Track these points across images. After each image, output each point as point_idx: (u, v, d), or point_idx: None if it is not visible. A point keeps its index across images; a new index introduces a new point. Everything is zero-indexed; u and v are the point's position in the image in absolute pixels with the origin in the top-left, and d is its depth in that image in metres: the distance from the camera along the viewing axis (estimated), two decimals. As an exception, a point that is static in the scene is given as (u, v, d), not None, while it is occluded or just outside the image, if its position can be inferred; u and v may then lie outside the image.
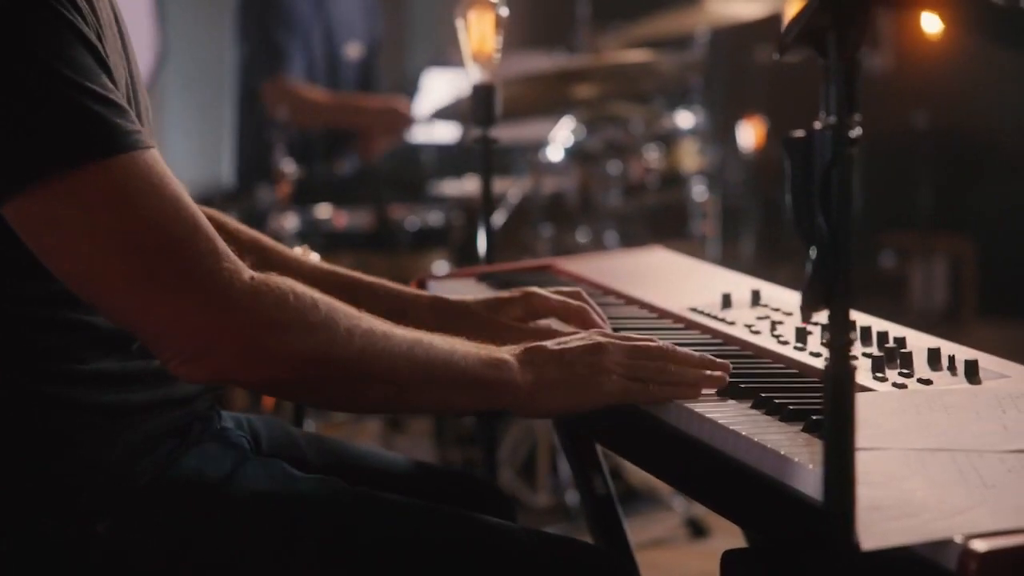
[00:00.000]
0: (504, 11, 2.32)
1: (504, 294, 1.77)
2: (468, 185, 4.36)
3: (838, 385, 1.13)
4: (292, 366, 1.41)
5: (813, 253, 1.13)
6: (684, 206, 4.47)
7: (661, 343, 1.57)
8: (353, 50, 4.71)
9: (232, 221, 1.85)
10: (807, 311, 1.15)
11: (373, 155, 4.63)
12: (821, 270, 1.13)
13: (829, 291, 1.13)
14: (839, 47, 1.09)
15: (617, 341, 1.56)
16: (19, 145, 1.34)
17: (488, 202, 2.39)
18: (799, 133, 1.13)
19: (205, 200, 4.23)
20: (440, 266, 4.02)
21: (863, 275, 6.35)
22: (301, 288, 1.43)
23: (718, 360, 1.54)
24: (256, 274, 1.41)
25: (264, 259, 1.78)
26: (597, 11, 4.87)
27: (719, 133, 5.56)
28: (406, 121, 4.66)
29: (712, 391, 1.52)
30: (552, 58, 5.13)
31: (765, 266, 6.63)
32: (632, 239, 4.23)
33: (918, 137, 6.19)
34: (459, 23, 2.31)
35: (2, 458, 1.44)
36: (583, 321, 1.72)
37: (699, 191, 4.48)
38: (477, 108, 2.32)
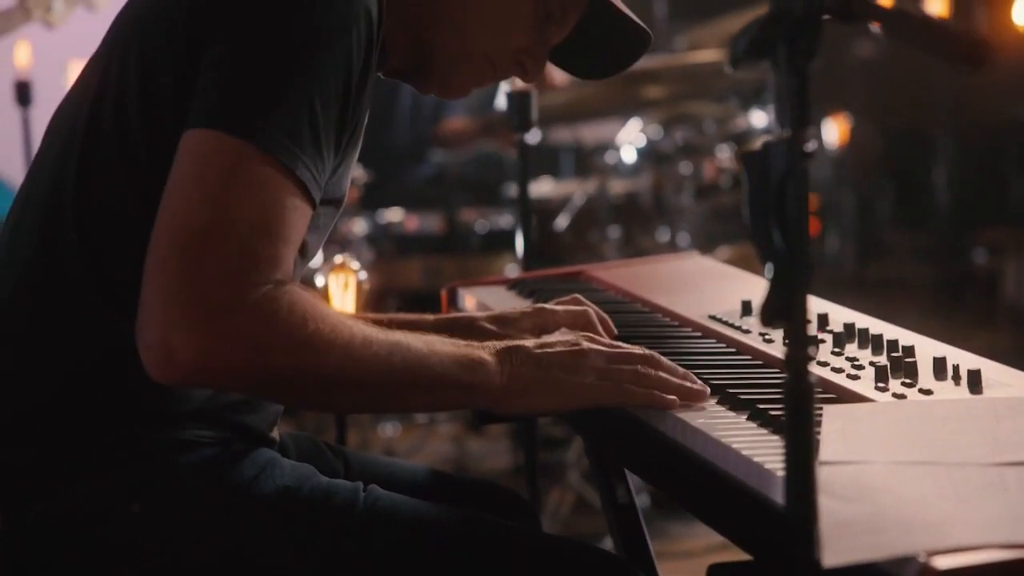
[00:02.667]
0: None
1: (515, 309, 1.79)
2: (541, 187, 4.37)
3: (797, 400, 1.12)
4: (257, 380, 1.43)
5: (769, 267, 1.12)
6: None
7: (648, 352, 1.57)
8: None
9: None
10: (766, 325, 1.14)
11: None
12: (778, 284, 1.12)
13: (787, 305, 1.12)
14: (790, 60, 1.08)
15: (600, 347, 1.57)
16: (249, 99, 1.42)
17: (527, 208, 2.40)
18: (755, 146, 1.12)
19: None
20: (510, 269, 4.03)
21: (955, 272, 6.24)
22: (299, 305, 1.42)
23: (697, 386, 1.54)
24: (269, 290, 1.41)
25: None
26: (674, 10, 4.85)
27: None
28: None
29: (714, 402, 1.52)
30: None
31: (858, 262, 6.56)
32: (705, 240, 4.21)
33: (1009, 131, 6.07)
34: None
35: (63, 415, 1.50)
36: (591, 327, 1.72)
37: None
38: (513, 115, 2.33)
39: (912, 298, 6.22)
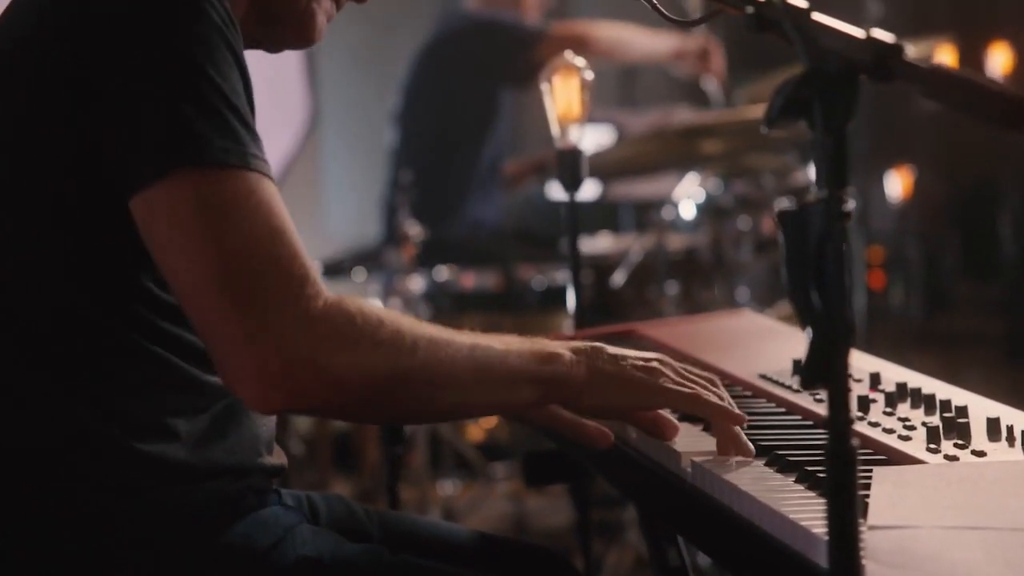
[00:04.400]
0: (589, 74, 2.32)
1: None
2: (599, 243, 4.35)
3: (838, 464, 1.10)
4: (362, 385, 1.44)
5: (809, 330, 1.10)
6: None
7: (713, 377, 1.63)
8: None
9: None
10: (806, 387, 1.12)
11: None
12: (817, 347, 1.10)
13: (826, 368, 1.10)
14: (826, 120, 1.07)
15: (670, 361, 1.64)
16: (157, 137, 1.41)
17: (577, 265, 2.39)
18: (791, 206, 1.10)
19: (350, 262, 4.36)
20: (568, 326, 4.00)
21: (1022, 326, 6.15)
22: (368, 307, 1.46)
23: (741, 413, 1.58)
24: (330, 296, 1.44)
25: None
26: (732, 64, 4.84)
27: (860, 185, 5.47)
28: None
29: (762, 463, 1.50)
30: (688, 111, 5.12)
31: (926, 315, 6.49)
32: (765, 295, 4.17)
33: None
34: (544, 87, 2.32)
35: (58, 501, 1.48)
36: None
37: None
38: (563, 172, 2.32)
39: (980, 351, 6.13)
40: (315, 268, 1.44)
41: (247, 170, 1.42)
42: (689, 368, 1.65)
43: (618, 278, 3.95)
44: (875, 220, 5.80)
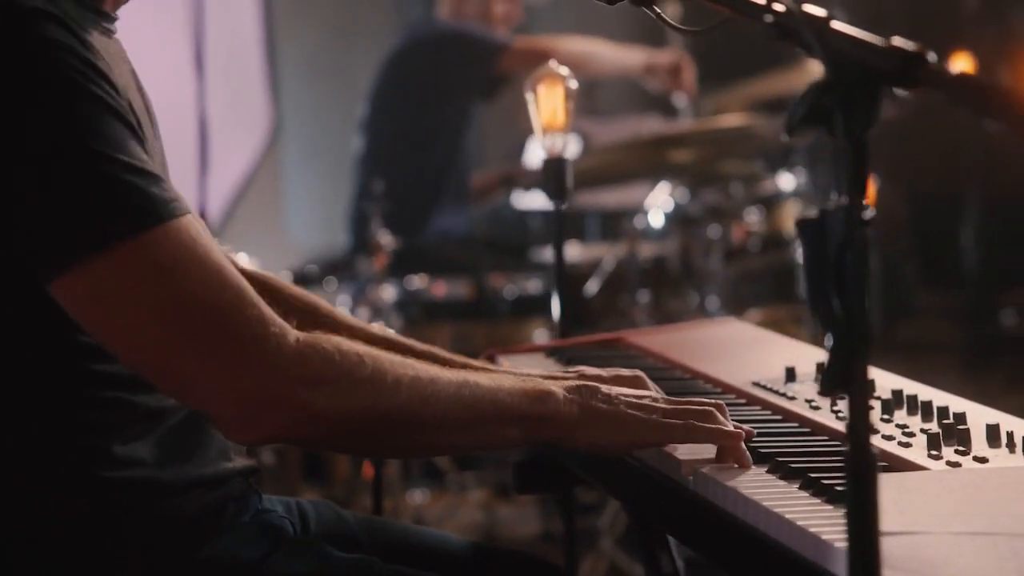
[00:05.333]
0: (574, 84, 2.32)
1: (557, 374, 1.77)
2: (570, 252, 4.36)
3: (859, 473, 1.10)
4: (343, 422, 1.43)
5: (829, 337, 1.10)
6: (788, 269, 4.41)
7: (707, 406, 1.59)
8: None
9: (290, 286, 1.87)
10: (826, 395, 1.12)
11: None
12: (838, 354, 1.10)
13: (847, 376, 1.10)
14: (847, 127, 1.07)
15: (663, 396, 1.61)
16: (59, 225, 1.36)
17: (562, 275, 2.39)
18: (811, 214, 1.11)
19: (319, 272, 4.34)
20: (540, 335, 4.01)
21: (983, 334, 6.20)
22: (347, 345, 1.44)
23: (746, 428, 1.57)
24: (301, 335, 1.42)
25: (316, 324, 1.80)
26: (701, 74, 4.86)
27: (825, 193, 5.50)
28: None
29: (764, 470, 1.50)
30: (656, 121, 5.13)
31: (886, 323, 6.53)
32: (735, 304, 4.19)
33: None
34: (528, 96, 2.32)
35: (36, 534, 1.46)
36: None
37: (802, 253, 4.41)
38: (548, 182, 2.32)
39: (941, 360, 6.17)
40: (263, 302, 1.42)
41: (160, 224, 1.37)
42: (688, 400, 1.62)
43: (591, 287, 3.95)
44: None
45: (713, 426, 1.55)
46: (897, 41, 1.08)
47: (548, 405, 1.53)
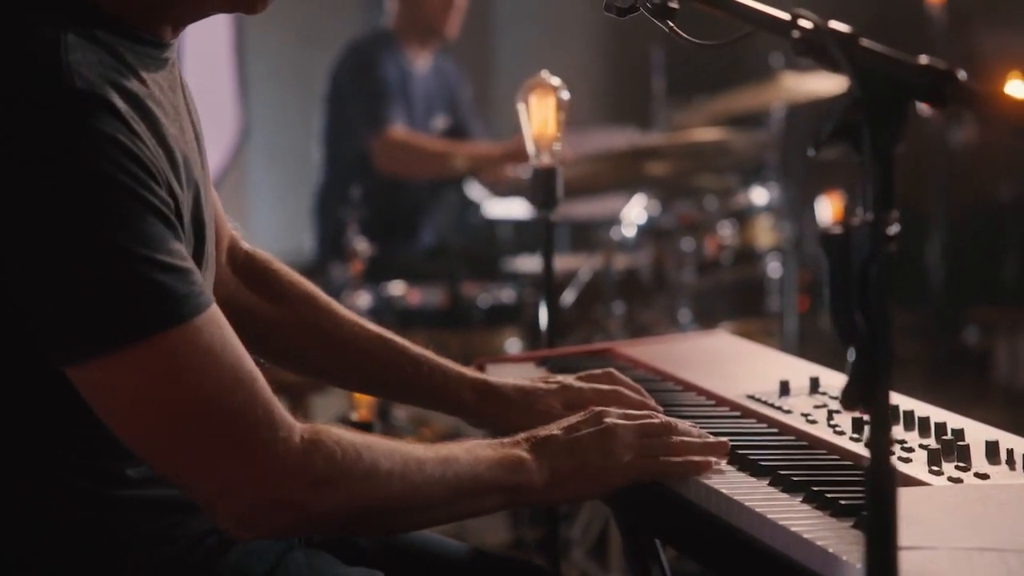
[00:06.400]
0: (566, 94, 2.33)
1: (541, 384, 1.78)
2: (542, 262, 4.36)
3: (879, 486, 1.11)
4: (338, 519, 1.46)
5: (852, 351, 1.11)
6: (759, 282, 4.44)
7: (666, 419, 1.62)
8: (440, 121, 4.80)
9: (290, 272, 1.87)
10: (848, 408, 1.13)
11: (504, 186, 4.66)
12: (860, 368, 1.11)
13: (869, 389, 1.11)
14: (875, 144, 1.08)
15: (624, 422, 1.60)
16: (78, 318, 1.34)
17: (550, 284, 2.39)
18: (836, 229, 1.11)
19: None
20: (512, 344, 4.02)
21: (946, 350, 6.25)
22: (347, 439, 1.45)
23: (713, 439, 1.60)
24: (306, 430, 1.42)
25: (316, 316, 1.83)
26: (672, 87, 4.88)
27: (796, 209, 5.54)
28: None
29: (765, 482, 1.51)
30: (628, 134, 5.15)
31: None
32: (706, 316, 4.21)
33: (1003, 210, 6.11)
34: (520, 107, 2.32)
35: (46, 552, 1.45)
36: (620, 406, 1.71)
37: (774, 267, 4.45)
38: (538, 191, 2.32)
39: (905, 375, 6.21)
40: (275, 400, 1.42)
41: (180, 324, 1.36)
42: (637, 415, 1.62)
43: (568, 297, 3.96)
44: (806, 245, 5.86)
45: (684, 459, 1.56)
46: (924, 59, 1.09)
47: (521, 475, 1.54)
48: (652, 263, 4.17)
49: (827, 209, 5.57)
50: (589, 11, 6.98)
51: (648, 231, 4.19)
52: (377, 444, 1.47)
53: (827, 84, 4.66)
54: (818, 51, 1.14)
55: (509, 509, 1.62)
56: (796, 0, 1.34)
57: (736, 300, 4.48)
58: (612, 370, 1.82)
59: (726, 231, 4.28)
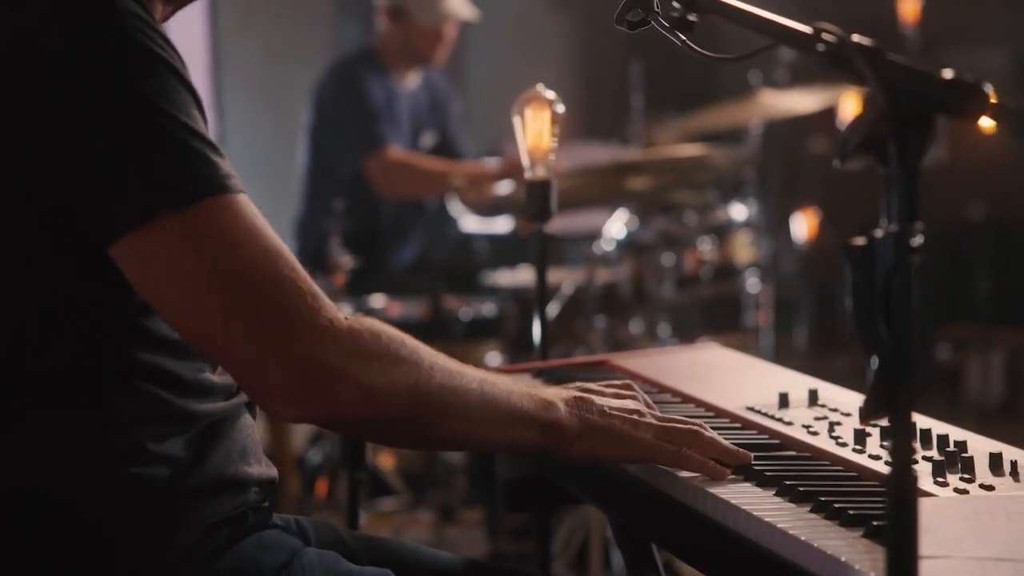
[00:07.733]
0: (561, 108, 2.34)
1: (558, 392, 1.79)
2: (521, 276, 4.38)
3: (902, 494, 1.12)
4: (386, 400, 1.44)
5: (875, 360, 1.12)
6: (737, 298, 4.46)
7: (696, 426, 1.62)
8: (428, 139, 4.81)
9: None
10: (869, 417, 1.14)
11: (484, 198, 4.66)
12: (883, 377, 1.12)
13: (891, 398, 1.12)
14: (901, 156, 1.09)
15: (655, 412, 1.64)
16: (132, 184, 1.37)
17: (543, 297, 2.39)
18: (860, 240, 1.12)
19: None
20: (493, 357, 4.02)
21: (919, 368, 6.29)
22: (389, 327, 1.47)
23: (740, 451, 1.60)
24: (348, 314, 1.45)
25: None
26: (651, 103, 4.90)
27: (773, 225, 5.58)
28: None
29: (772, 492, 1.52)
30: (607, 149, 5.16)
31: (819, 357, 6.60)
32: (685, 331, 4.23)
33: (974, 228, 6.16)
34: (516, 120, 2.33)
35: (62, 533, 1.45)
36: None
37: (752, 283, 4.48)
38: (532, 204, 2.33)
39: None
40: (315, 285, 1.44)
41: (227, 195, 1.40)
42: (670, 418, 1.65)
43: (552, 311, 3.97)
44: (781, 261, 5.90)
45: (703, 459, 1.58)
46: (949, 73, 1.10)
47: (551, 413, 1.57)
48: (632, 277, 4.18)
49: (802, 226, 5.61)
50: (562, 26, 7.00)
51: (628, 246, 4.21)
52: (415, 340, 1.48)
53: (804, 102, 4.70)
54: (843, 65, 1.16)
55: (540, 452, 1.59)
56: (782, 15, 1.35)
57: (714, 315, 4.50)
58: (630, 382, 1.81)
59: (706, 247, 4.30)
